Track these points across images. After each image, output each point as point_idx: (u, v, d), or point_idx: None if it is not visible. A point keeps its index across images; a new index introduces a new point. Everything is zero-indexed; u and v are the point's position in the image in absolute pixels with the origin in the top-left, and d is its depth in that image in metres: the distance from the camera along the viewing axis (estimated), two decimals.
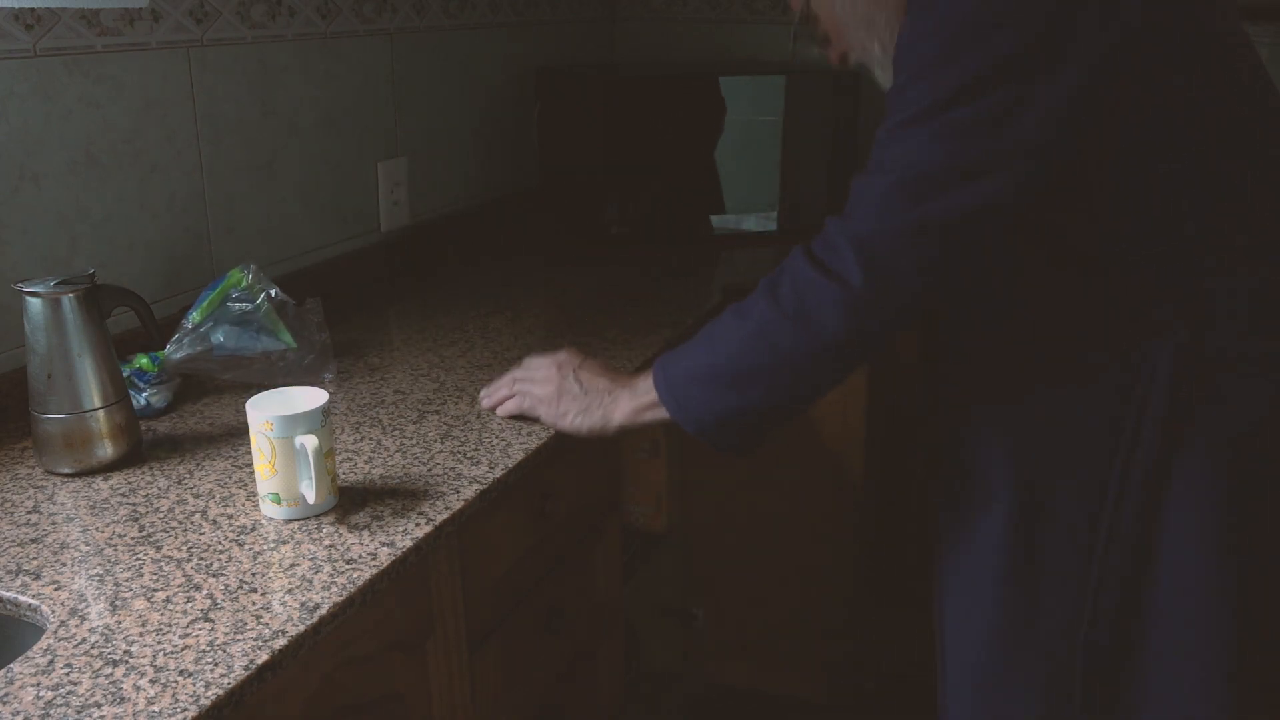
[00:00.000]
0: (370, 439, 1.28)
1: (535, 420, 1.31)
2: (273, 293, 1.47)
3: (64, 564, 1.00)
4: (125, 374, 1.29)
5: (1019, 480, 1.11)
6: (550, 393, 1.27)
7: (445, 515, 1.09)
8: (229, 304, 1.45)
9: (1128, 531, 1.06)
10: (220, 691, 0.82)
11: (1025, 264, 1.07)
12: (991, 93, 0.95)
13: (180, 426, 1.32)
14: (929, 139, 0.98)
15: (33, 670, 0.85)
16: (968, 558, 1.18)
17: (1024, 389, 1.11)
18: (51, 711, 0.80)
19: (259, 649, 0.87)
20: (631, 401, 1.21)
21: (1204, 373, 1.03)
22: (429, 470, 1.19)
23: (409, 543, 1.04)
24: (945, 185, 0.98)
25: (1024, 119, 0.95)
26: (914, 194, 0.99)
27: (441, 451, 1.24)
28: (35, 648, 0.88)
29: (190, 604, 0.93)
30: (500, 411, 1.33)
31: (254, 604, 0.94)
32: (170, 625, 0.90)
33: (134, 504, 1.12)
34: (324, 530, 1.06)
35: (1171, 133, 0.99)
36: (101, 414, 1.18)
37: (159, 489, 1.16)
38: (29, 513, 1.10)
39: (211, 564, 1.00)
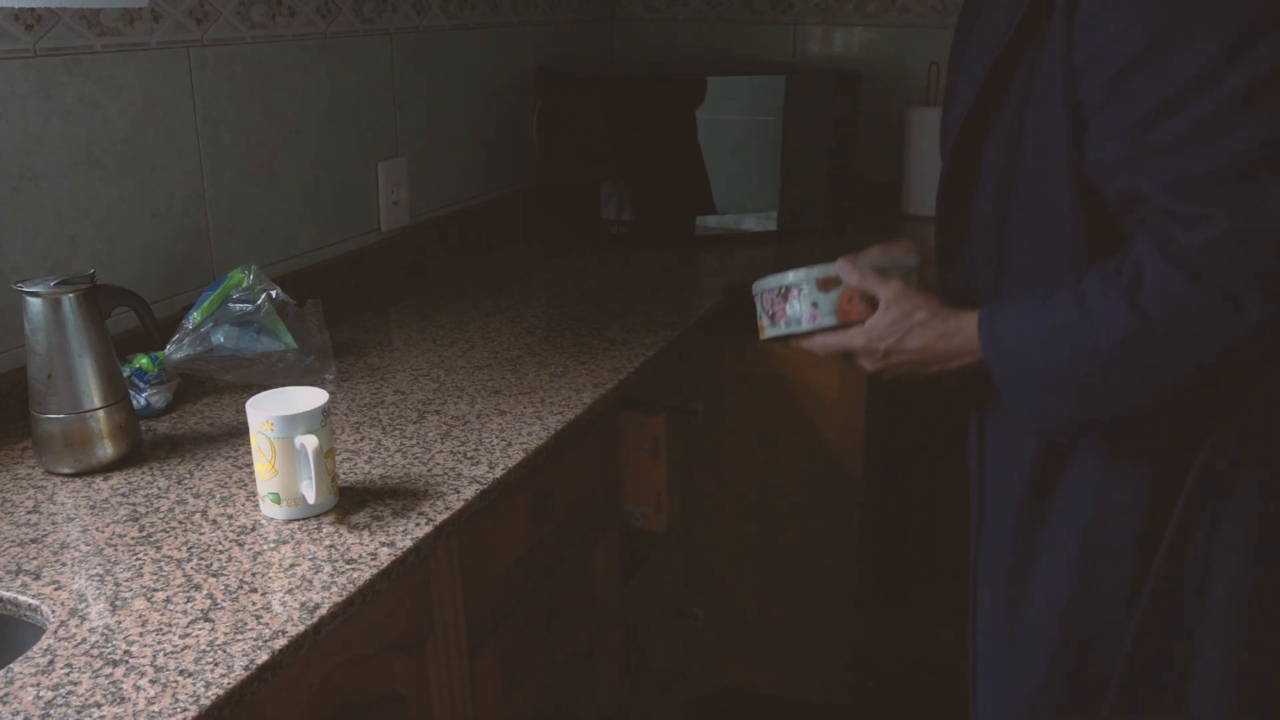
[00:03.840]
0: (370, 439, 1.28)
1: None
2: (274, 293, 1.47)
3: (64, 564, 1.00)
4: (125, 374, 1.29)
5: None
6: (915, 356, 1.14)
7: (445, 515, 1.09)
8: (230, 304, 1.45)
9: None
10: (220, 691, 0.82)
11: None
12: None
13: (180, 426, 1.32)
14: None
15: (33, 670, 0.85)
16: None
17: None
18: (51, 711, 0.80)
19: (259, 649, 0.87)
20: (960, 361, 1.10)
21: None
22: (429, 470, 1.19)
23: (409, 543, 1.04)
24: None
25: None
26: (1257, 170, 0.89)
27: (441, 451, 1.24)
28: (35, 648, 0.88)
29: (190, 604, 0.93)
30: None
31: (254, 604, 0.94)
32: (170, 625, 0.90)
33: (134, 504, 1.12)
34: (324, 530, 1.06)
35: None
36: (101, 414, 1.18)
37: (159, 489, 1.16)
38: (29, 513, 1.10)
39: (211, 564, 1.00)
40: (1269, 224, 0.90)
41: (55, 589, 0.96)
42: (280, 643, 0.88)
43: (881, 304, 1.14)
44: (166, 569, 0.99)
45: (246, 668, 0.85)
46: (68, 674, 0.84)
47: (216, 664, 0.85)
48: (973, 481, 1.22)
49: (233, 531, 1.06)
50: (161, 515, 1.10)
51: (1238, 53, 0.89)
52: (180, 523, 1.08)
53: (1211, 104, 0.90)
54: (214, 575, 0.98)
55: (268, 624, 0.90)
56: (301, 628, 0.90)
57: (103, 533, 1.06)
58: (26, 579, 0.98)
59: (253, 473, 1.14)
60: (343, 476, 1.17)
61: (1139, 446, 1.05)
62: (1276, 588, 1.05)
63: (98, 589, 0.96)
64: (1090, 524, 1.09)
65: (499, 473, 1.19)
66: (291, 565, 1.00)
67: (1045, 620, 1.13)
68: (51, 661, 0.86)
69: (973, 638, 1.24)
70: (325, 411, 1.09)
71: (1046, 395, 1.03)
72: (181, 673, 0.84)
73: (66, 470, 1.18)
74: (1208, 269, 0.92)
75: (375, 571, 0.99)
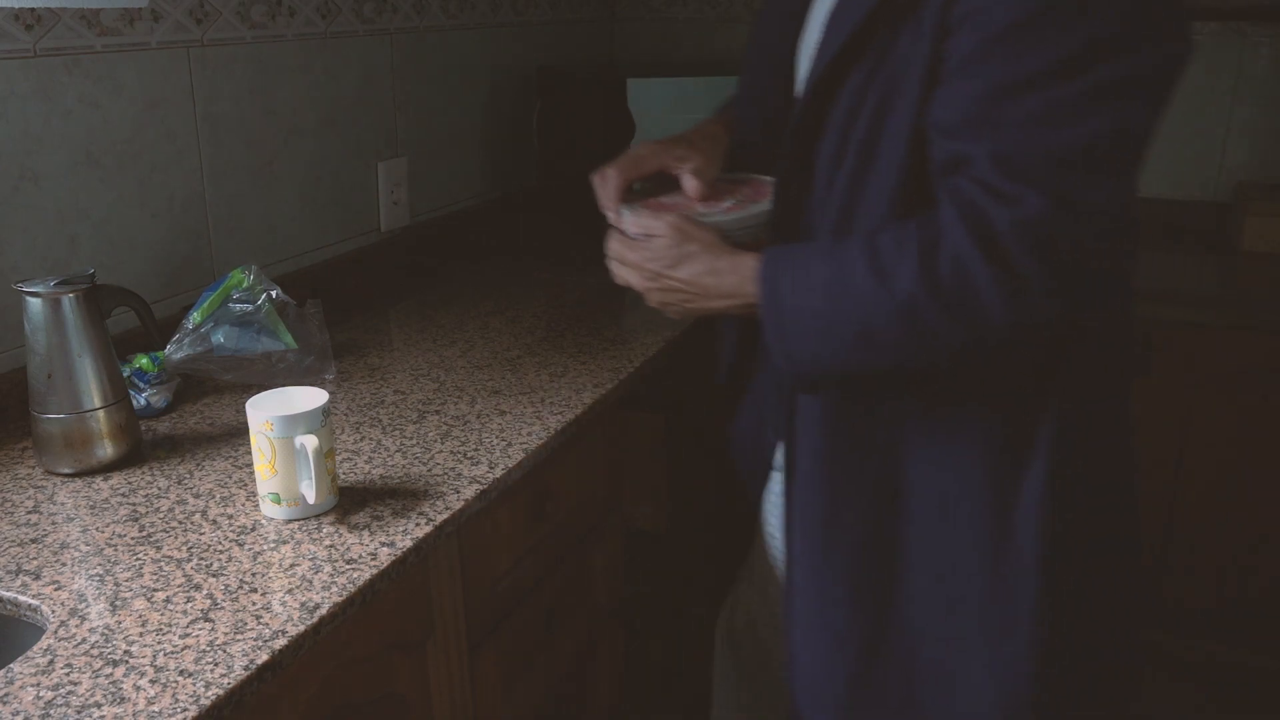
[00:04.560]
0: (370, 439, 1.28)
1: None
2: (274, 294, 1.47)
3: (64, 564, 1.00)
4: (125, 374, 1.29)
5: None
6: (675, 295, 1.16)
7: (445, 515, 1.09)
8: (230, 304, 1.45)
9: None
10: (220, 691, 0.82)
11: None
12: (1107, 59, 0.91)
13: (180, 426, 1.32)
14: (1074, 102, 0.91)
15: (33, 670, 0.85)
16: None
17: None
18: (51, 711, 0.80)
19: (259, 649, 0.87)
20: (728, 302, 1.11)
21: None
22: (429, 470, 1.19)
23: (409, 543, 1.04)
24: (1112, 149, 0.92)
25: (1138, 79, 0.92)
26: (1093, 163, 0.92)
27: (441, 451, 1.24)
28: (35, 648, 0.88)
29: (190, 604, 0.93)
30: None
31: (254, 604, 0.94)
32: (170, 625, 0.90)
33: (134, 504, 1.12)
34: (324, 530, 1.06)
35: None
36: (101, 414, 1.18)
37: (159, 489, 1.16)
38: (29, 513, 1.10)
39: (211, 564, 1.00)
40: (1085, 216, 0.92)
41: (55, 589, 0.96)
42: (280, 643, 0.88)
43: (660, 230, 1.17)
44: (166, 569, 0.99)
45: (246, 668, 0.85)
46: (68, 674, 0.84)
47: (216, 664, 0.85)
48: (783, 427, 1.19)
49: (233, 531, 1.06)
50: (161, 515, 1.10)
51: (1110, 50, 0.90)
52: (180, 523, 1.08)
53: (1071, 90, 0.91)
54: (214, 575, 0.98)
55: (268, 624, 0.90)
56: (301, 628, 0.90)
57: (103, 533, 1.06)
58: (26, 579, 0.98)
59: (253, 473, 1.14)
60: (343, 476, 1.17)
61: (952, 407, 1.06)
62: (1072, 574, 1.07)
63: (98, 589, 0.96)
64: (888, 476, 1.09)
65: (499, 473, 1.19)
66: (291, 565, 1.00)
67: (852, 563, 1.13)
68: (51, 661, 0.86)
69: (787, 593, 1.21)
70: (325, 411, 1.09)
71: (814, 342, 1.02)
72: (181, 673, 0.84)
73: (66, 470, 1.18)
74: (1005, 249, 0.92)
75: (375, 571, 0.99)
